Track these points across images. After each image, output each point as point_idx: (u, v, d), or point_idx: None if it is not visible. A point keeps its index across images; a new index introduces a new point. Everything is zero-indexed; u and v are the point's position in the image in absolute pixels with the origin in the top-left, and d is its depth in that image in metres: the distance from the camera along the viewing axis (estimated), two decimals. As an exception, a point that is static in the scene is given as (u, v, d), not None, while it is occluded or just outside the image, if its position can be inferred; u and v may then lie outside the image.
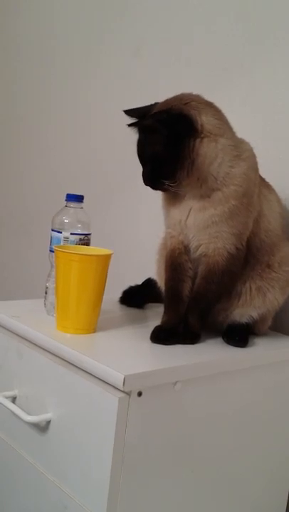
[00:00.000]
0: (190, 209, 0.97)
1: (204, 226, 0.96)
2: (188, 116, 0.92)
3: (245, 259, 1.00)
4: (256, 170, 1.00)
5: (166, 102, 0.96)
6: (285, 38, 1.20)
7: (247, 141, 1.00)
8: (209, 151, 0.93)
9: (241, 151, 0.97)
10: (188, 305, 0.99)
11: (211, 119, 0.94)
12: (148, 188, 0.98)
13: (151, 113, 0.94)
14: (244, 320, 1.03)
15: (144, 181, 0.97)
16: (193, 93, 0.97)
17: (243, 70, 1.29)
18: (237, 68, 1.30)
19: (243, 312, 1.02)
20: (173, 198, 0.99)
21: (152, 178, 0.96)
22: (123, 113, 0.99)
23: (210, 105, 0.97)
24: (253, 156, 0.99)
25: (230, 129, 0.98)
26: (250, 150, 0.99)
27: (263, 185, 1.04)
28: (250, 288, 1.01)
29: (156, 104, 0.98)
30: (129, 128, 0.96)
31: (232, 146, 0.95)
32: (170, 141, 0.92)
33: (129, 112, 0.98)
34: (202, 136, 0.93)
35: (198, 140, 0.92)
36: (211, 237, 0.96)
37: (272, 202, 1.05)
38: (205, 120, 0.93)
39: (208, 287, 0.98)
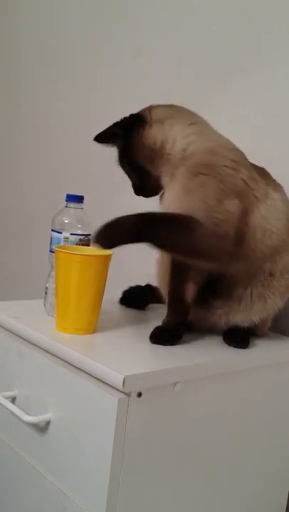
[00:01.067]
0: (165, 194, 0.99)
1: (173, 203, 0.95)
2: (137, 113, 1.01)
3: (239, 257, 0.96)
4: (231, 150, 0.97)
5: None
6: (285, 37, 1.20)
7: (221, 134, 1.01)
8: (158, 133, 0.98)
9: (207, 133, 0.99)
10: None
11: (161, 110, 1.01)
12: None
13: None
14: (246, 324, 1.02)
15: (135, 193, 1.04)
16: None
17: (243, 70, 1.29)
18: (237, 68, 1.30)
19: (244, 318, 1.01)
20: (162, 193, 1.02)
21: (137, 186, 1.03)
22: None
23: (164, 104, 1.02)
24: (226, 141, 0.99)
25: (187, 113, 1.01)
26: (223, 137, 1.00)
27: (268, 182, 1.01)
28: (252, 294, 1.00)
29: None
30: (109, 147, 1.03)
31: (186, 124, 0.99)
32: (127, 141, 1.00)
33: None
34: (150, 124, 0.99)
35: (146, 128, 0.99)
36: (183, 211, 0.93)
37: (276, 201, 1.00)
38: (154, 112, 1.01)
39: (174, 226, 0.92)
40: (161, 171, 0.99)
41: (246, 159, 0.99)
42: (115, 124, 1.01)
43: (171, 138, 0.97)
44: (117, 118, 1.01)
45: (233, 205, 0.92)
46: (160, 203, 1.02)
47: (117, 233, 0.89)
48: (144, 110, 1.02)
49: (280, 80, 1.21)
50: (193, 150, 0.96)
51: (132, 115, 1.01)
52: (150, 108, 1.02)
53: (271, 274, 1.01)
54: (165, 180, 0.99)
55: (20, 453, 0.98)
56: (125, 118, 1.02)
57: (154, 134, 0.98)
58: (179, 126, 0.98)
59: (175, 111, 1.02)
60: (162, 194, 1.01)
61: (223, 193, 0.92)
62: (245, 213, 0.94)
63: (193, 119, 1.01)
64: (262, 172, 1.02)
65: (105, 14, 1.68)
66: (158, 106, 1.02)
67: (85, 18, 1.76)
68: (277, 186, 1.03)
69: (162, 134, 0.98)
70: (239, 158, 0.97)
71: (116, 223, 0.88)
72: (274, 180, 1.04)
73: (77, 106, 1.80)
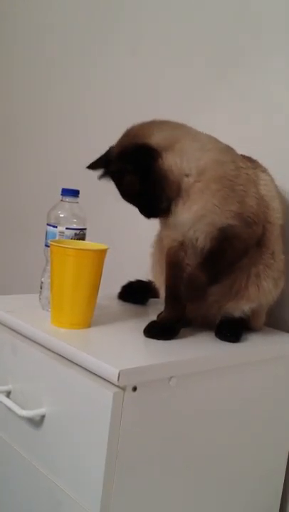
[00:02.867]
0: (178, 212, 0.97)
1: (196, 221, 0.96)
2: (144, 146, 0.96)
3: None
4: (227, 152, 1.00)
5: (120, 143, 0.99)
6: (285, 37, 1.20)
7: (208, 134, 1.01)
8: (173, 161, 0.95)
9: (203, 143, 0.99)
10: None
11: (161, 134, 0.97)
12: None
13: (112, 158, 0.98)
14: (237, 314, 1.02)
15: (146, 217, 1.01)
16: (136, 123, 0.99)
17: (242, 69, 1.28)
18: (236, 67, 1.29)
19: (235, 306, 1.01)
20: None
21: (150, 211, 1.00)
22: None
23: (153, 123, 0.99)
24: (217, 142, 1.00)
25: (183, 129, 1.00)
26: (213, 138, 1.00)
27: (255, 166, 1.05)
28: (248, 276, 1.01)
29: (112, 148, 1.00)
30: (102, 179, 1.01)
31: (191, 141, 0.98)
32: (141, 174, 0.96)
33: (92, 166, 1.02)
34: (162, 154, 0.95)
35: (159, 160, 0.95)
36: (206, 226, 0.96)
37: (267, 181, 1.06)
38: (156, 139, 0.96)
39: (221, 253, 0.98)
40: (178, 193, 0.96)
41: (232, 149, 1.01)
42: (124, 160, 0.97)
43: (185, 161, 0.96)
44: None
45: (251, 198, 0.98)
46: (164, 220, 1.01)
47: (199, 293, 0.97)
48: (144, 140, 0.96)
49: (281, 80, 1.20)
50: (204, 164, 0.96)
51: (138, 149, 0.96)
52: (146, 134, 0.97)
53: (272, 254, 1.03)
54: (178, 199, 0.97)
55: (14, 447, 0.98)
56: (130, 152, 0.97)
57: (170, 162, 0.95)
58: (187, 148, 0.97)
59: (171, 131, 0.99)
60: (169, 212, 0.99)
61: (241, 193, 0.97)
62: (260, 196, 1.01)
63: (194, 135, 1.00)
64: (247, 158, 1.05)
65: (103, 12, 1.67)
66: (149, 128, 0.98)
67: (83, 16, 1.75)
68: (264, 170, 1.07)
69: (177, 161, 0.96)
70: (233, 155, 1.01)
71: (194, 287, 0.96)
72: (260, 165, 1.07)
73: (73, 102, 1.79)
